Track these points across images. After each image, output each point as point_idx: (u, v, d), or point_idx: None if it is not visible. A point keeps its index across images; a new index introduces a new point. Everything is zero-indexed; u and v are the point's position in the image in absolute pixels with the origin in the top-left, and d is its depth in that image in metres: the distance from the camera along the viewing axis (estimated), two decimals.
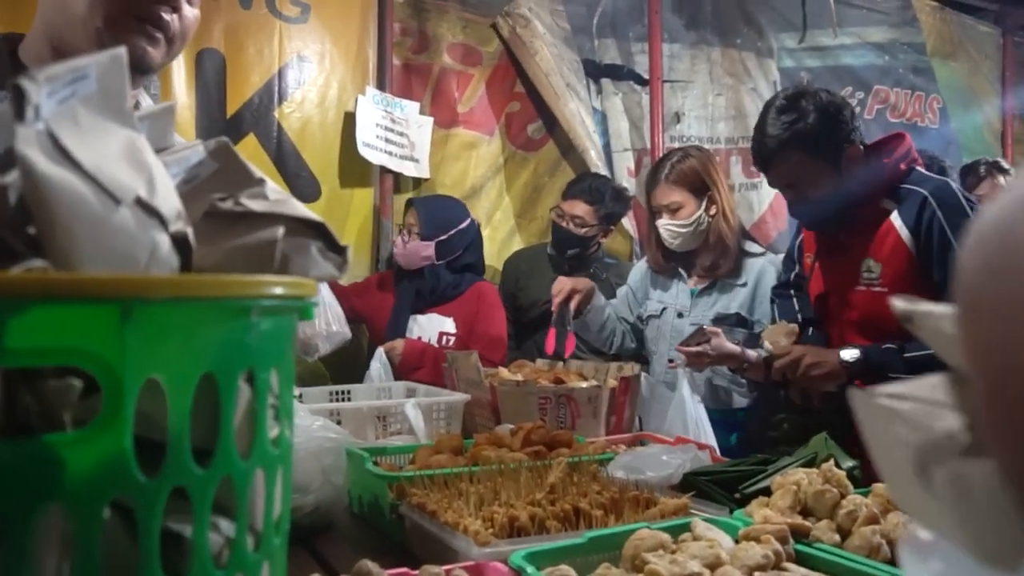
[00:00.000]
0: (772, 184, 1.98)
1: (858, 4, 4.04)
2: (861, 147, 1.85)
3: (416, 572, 0.93)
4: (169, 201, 0.55)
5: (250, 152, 2.93)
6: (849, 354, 1.78)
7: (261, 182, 0.64)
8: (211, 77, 2.93)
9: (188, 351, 0.47)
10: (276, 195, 0.64)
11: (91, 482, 0.43)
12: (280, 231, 0.59)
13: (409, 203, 2.89)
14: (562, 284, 2.38)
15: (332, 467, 1.42)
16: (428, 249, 2.72)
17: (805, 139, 1.81)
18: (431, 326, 2.77)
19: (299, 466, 1.31)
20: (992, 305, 0.29)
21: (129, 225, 0.51)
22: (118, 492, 0.44)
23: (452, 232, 2.77)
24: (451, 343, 2.75)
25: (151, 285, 0.46)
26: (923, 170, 1.88)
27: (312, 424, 1.47)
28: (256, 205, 0.61)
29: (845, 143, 1.83)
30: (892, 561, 1.03)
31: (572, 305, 2.34)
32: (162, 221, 0.53)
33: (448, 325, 2.77)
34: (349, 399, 2.18)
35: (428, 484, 1.26)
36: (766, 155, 1.88)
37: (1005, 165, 2.80)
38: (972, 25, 4.37)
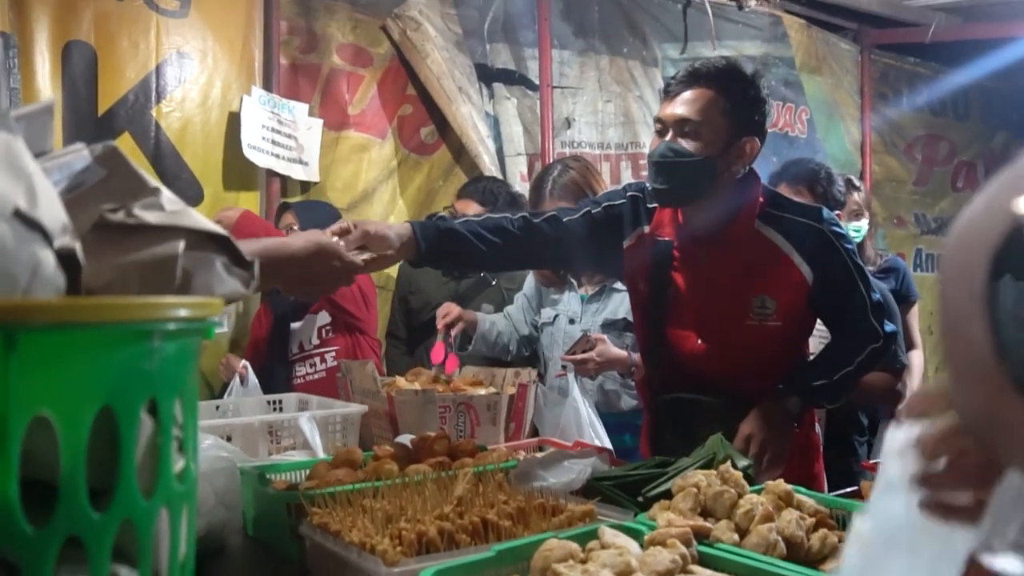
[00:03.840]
0: (667, 119, 1.69)
1: (734, 19, 4.23)
2: (759, 145, 1.72)
3: None
4: (53, 213, 0.49)
5: (126, 152, 2.75)
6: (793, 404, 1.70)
7: (156, 191, 0.60)
8: (80, 71, 2.73)
9: (82, 382, 0.42)
10: (173, 205, 0.59)
11: None
12: (180, 245, 0.54)
13: (284, 206, 2.88)
14: (449, 309, 2.40)
15: (225, 488, 1.34)
16: None
17: (733, 88, 1.67)
18: (307, 327, 2.74)
19: None
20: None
21: (6, 241, 0.45)
22: (1, 547, 0.39)
23: None
24: (330, 333, 2.72)
25: (37, 310, 0.41)
26: (778, 192, 1.88)
27: (202, 443, 1.38)
28: (151, 217, 0.57)
29: (753, 131, 1.69)
30: (788, 557, 1.08)
31: (453, 332, 2.36)
32: (45, 235, 0.48)
33: (322, 318, 2.75)
34: (238, 413, 2.08)
35: (329, 502, 1.22)
36: (688, 77, 1.68)
37: (856, 183, 2.98)
38: (835, 42, 4.67)
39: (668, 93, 1.73)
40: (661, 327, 1.83)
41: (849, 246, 1.75)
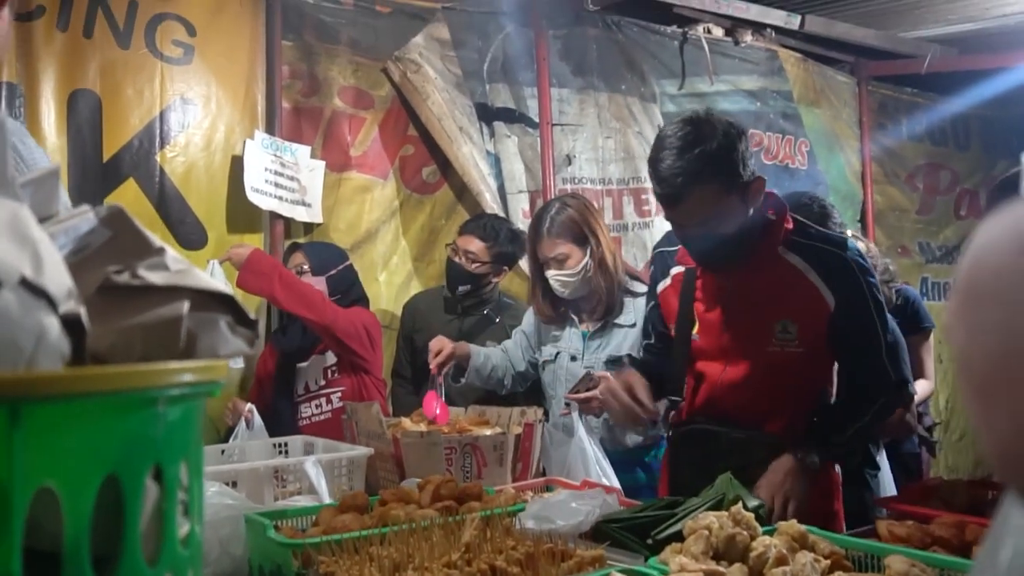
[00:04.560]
0: (680, 222, 1.73)
1: (731, 54, 4.28)
2: (763, 180, 1.74)
3: None
4: (58, 278, 0.50)
5: (131, 197, 2.77)
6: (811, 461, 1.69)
7: (161, 251, 0.60)
8: (85, 119, 2.77)
9: (87, 452, 0.42)
10: (178, 265, 0.59)
11: None
12: (185, 306, 0.54)
13: (294, 247, 2.89)
14: (441, 344, 2.38)
15: (230, 536, 1.33)
16: (320, 284, 2.72)
17: (717, 166, 1.64)
18: (314, 368, 2.74)
19: None
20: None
21: (12, 309, 0.46)
22: None
23: (341, 267, 2.81)
24: (336, 374, 2.72)
25: (41, 382, 0.41)
26: (804, 220, 1.87)
27: (207, 491, 1.37)
28: (156, 277, 0.57)
29: (749, 173, 1.69)
30: None
31: (444, 369, 2.34)
32: (51, 302, 0.48)
33: (329, 358, 2.75)
34: (243, 457, 2.06)
35: (335, 549, 1.20)
36: (676, 191, 1.66)
37: (830, 210, 2.91)
38: (832, 75, 4.71)
39: (665, 199, 1.71)
40: (686, 353, 1.86)
41: (872, 280, 1.75)
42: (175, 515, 0.48)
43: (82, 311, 0.50)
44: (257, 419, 2.38)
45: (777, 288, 1.75)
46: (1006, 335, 0.37)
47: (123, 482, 0.43)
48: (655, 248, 2.06)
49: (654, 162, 1.69)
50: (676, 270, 1.91)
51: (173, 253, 0.61)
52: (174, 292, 0.56)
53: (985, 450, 0.40)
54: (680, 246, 1.86)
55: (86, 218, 0.58)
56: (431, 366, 2.34)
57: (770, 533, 1.22)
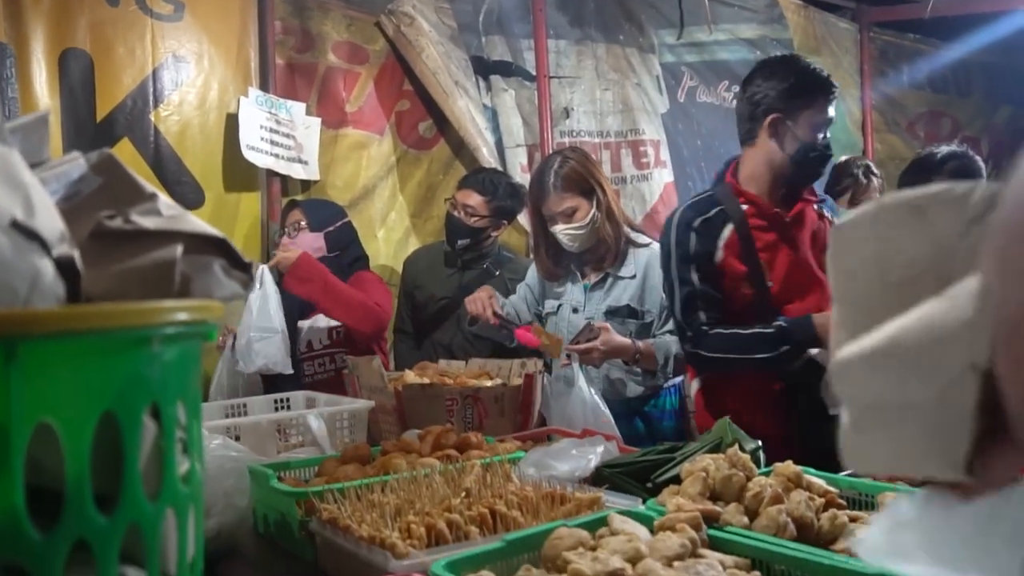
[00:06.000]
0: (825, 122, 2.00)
1: (730, 2, 4.21)
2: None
3: None
4: (50, 222, 0.50)
5: (126, 158, 2.67)
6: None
7: (153, 196, 0.60)
8: (77, 79, 2.74)
9: (84, 390, 0.42)
10: (170, 210, 0.60)
11: None
12: (178, 250, 0.55)
13: (291, 204, 2.87)
14: (481, 298, 2.39)
15: (234, 488, 1.35)
16: (318, 240, 2.70)
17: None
18: (319, 326, 2.73)
19: None
20: None
21: (5, 252, 0.46)
22: (9, 555, 0.40)
23: (339, 224, 2.79)
24: (341, 334, 2.72)
25: (37, 319, 0.41)
26: None
27: (210, 444, 1.39)
28: (148, 222, 0.57)
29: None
30: (798, 538, 1.08)
31: (496, 308, 2.37)
32: (44, 245, 0.48)
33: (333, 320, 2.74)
34: (245, 412, 2.09)
35: (338, 498, 1.22)
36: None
37: (875, 170, 3.00)
38: (833, 22, 4.64)
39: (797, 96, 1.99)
40: (769, 302, 2.02)
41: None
42: (174, 453, 0.48)
43: (76, 254, 0.50)
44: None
45: (812, 225, 2.06)
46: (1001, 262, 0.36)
47: (120, 419, 0.44)
48: (681, 224, 2.05)
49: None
50: (727, 233, 2.02)
51: (165, 199, 0.61)
52: (167, 236, 0.56)
53: (1013, 409, 0.36)
54: (720, 207, 2.03)
55: (76, 164, 0.59)
56: (491, 320, 2.36)
57: (766, 474, 1.23)
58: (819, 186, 2.85)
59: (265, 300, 2.50)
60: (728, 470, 1.20)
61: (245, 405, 2.14)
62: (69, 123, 2.71)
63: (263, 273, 2.56)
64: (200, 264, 0.56)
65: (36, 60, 2.66)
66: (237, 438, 1.72)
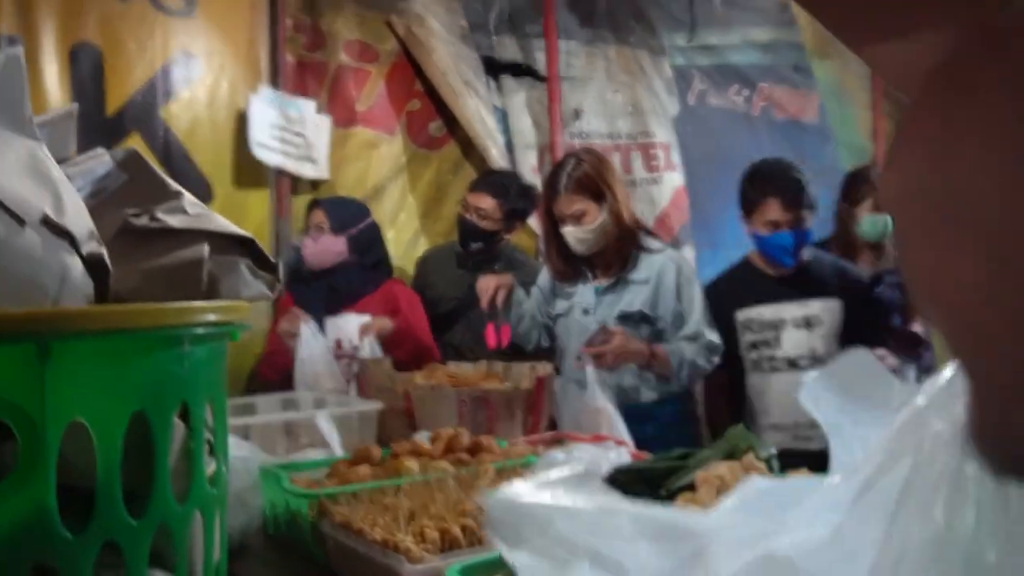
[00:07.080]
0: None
1: (742, 4, 4.20)
2: None
3: None
4: (79, 220, 0.49)
5: None
6: None
7: (178, 195, 0.59)
8: (87, 73, 2.74)
9: (116, 389, 0.42)
10: (195, 208, 0.59)
11: (7, 546, 0.38)
12: (205, 249, 0.54)
13: (314, 203, 2.81)
14: (487, 282, 2.41)
15: (245, 488, 1.35)
16: (340, 244, 2.65)
17: None
18: (350, 326, 2.67)
19: None
20: None
21: (36, 249, 0.45)
22: (39, 554, 0.39)
23: (362, 226, 2.73)
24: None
25: (71, 318, 0.41)
26: None
27: None
28: (175, 220, 0.56)
29: None
30: None
31: (500, 299, 2.38)
32: (73, 242, 0.48)
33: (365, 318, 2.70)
34: (254, 411, 2.08)
35: (351, 500, 1.22)
36: None
37: None
38: None
39: None
40: None
41: None
42: (202, 454, 0.48)
43: (104, 252, 0.50)
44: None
45: None
46: None
47: (151, 419, 0.43)
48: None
49: None
50: None
51: (190, 197, 0.60)
52: (193, 235, 0.55)
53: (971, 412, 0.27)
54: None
55: (102, 161, 0.58)
56: (483, 306, 2.38)
57: None
58: (833, 195, 2.83)
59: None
60: (744, 477, 1.19)
61: (252, 404, 2.13)
62: (80, 117, 2.68)
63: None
64: (227, 264, 0.55)
65: (47, 54, 2.66)
66: (247, 437, 1.71)
